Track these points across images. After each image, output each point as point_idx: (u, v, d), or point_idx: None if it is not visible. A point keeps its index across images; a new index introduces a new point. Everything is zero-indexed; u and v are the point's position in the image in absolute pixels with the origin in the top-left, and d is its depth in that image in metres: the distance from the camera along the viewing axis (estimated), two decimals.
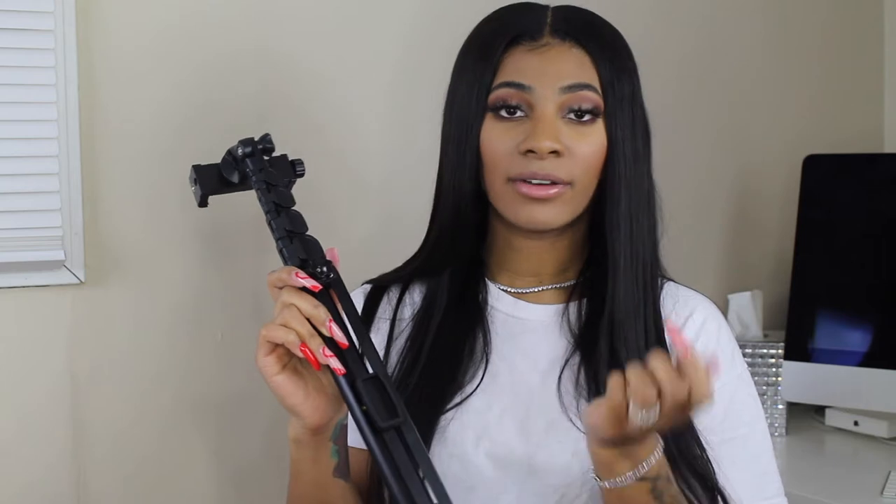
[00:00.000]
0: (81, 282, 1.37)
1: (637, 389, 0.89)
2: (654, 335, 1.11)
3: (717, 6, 1.91)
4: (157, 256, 1.42)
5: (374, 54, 1.57)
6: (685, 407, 0.89)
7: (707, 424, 1.10)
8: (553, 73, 1.07)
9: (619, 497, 0.97)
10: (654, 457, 0.96)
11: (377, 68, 1.57)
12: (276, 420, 1.48)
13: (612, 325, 1.09)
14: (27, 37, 1.31)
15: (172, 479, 1.45)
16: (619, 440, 0.93)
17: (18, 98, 1.31)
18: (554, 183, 1.07)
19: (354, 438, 1.08)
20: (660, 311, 1.13)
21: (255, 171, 1.06)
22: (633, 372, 0.90)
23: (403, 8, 1.59)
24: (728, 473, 1.09)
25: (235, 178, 1.09)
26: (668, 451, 1.04)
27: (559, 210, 1.09)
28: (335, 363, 0.93)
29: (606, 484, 0.97)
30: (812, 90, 2.03)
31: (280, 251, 1.01)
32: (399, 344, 1.15)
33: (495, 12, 1.14)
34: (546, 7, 1.13)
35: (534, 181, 1.07)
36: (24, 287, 1.34)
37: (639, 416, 0.90)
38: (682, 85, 1.86)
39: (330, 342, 0.94)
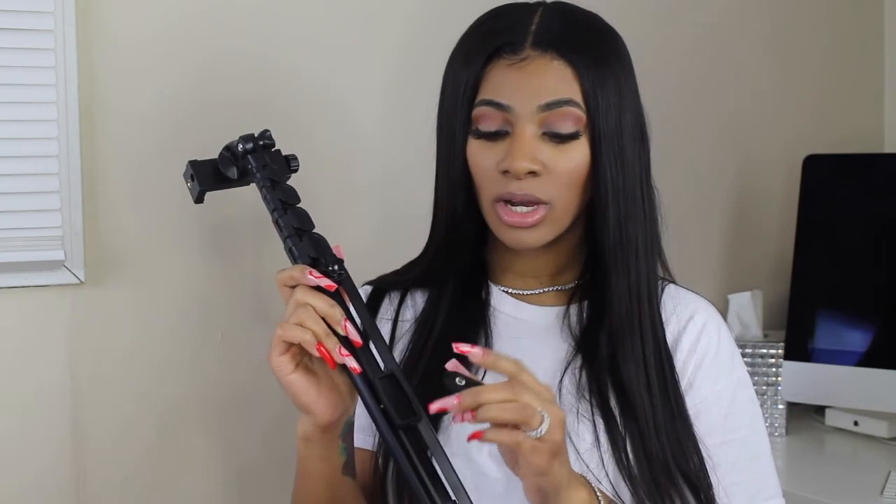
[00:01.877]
0: (81, 282, 1.37)
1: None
2: (651, 342, 1.10)
3: (717, 6, 1.91)
4: (158, 256, 1.42)
5: (372, 54, 1.57)
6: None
7: (706, 427, 1.10)
8: (532, 90, 1.05)
9: None
10: None
11: (375, 68, 1.57)
12: (276, 420, 1.48)
13: (611, 332, 1.09)
14: (27, 37, 1.31)
15: (172, 480, 1.45)
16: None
17: (18, 98, 1.31)
18: (533, 204, 1.06)
19: (357, 438, 1.09)
20: (659, 315, 1.12)
21: (259, 167, 1.05)
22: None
23: (402, 8, 1.59)
24: (727, 475, 1.09)
25: (233, 174, 1.08)
26: (662, 459, 1.04)
27: (543, 232, 1.08)
28: (352, 362, 0.93)
29: None
30: (812, 90, 2.03)
31: (289, 250, 1.00)
32: (401, 345, 1.15)
33: (485, 16, 1.12)
34: (537, 8, 1.10)
35: (514, 203, 1.06)
36: (24, 287, 1.34)
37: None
38: (683, 85, 1.86)
39: (345, 341, 0.94)
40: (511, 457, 0.95)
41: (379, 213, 1.58)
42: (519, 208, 1.06)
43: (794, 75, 2.01)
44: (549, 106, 1.05)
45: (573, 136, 1.06)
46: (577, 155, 1.06)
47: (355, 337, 0.94)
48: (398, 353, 1.15)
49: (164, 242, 1.43)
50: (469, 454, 1.08)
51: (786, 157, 1.95)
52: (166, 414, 1.44)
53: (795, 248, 1.83)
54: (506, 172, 1.05)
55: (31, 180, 1.33)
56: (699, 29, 1.89)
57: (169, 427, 1.44)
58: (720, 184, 1.94)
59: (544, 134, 1.05)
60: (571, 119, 1.05)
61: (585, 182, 1.07)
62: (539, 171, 1.05)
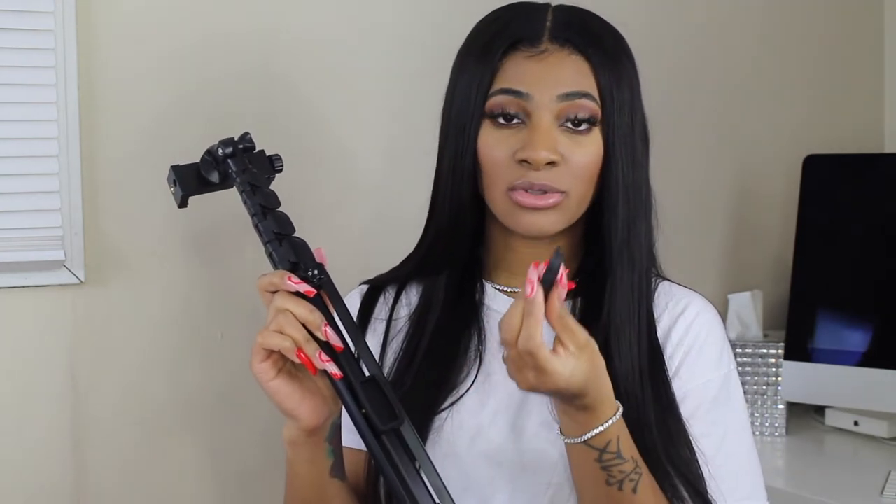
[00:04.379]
0: (81, 282, 1.37)
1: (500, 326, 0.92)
2: (646, 338, 1.10)
3: (717, 6, 1.91)
4: (158, 256, 1.42)
5: (373, 55, 1.57)
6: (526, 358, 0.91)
7: (688, 418, 1.10)
8: (551, 81, 1.06)
9: (570, 458, 0.99)
10: (602, 426, 0.96)
11: (375, 69, 1.57)
12: (277, 420, 1.47)
13: (608, 329, 1.09)
14: (27, 37, 1.31)
15: (173, 480, 1.45)
16: (553, 394, 0.94)
17: (18, 98, 1.31)
18: (549, 192, 1.06)
19: (348, 438, 1.09)
20: (653, 314, 1.13)
21: (238, 172, 1.04)
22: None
23: (403, 8, 1.59)
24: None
25: (216, 178, 1.07)
26: (654, 452, 1.04)
27: (556, 218, 1.08)
28: (332, 368, 0.93)
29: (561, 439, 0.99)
30: (812, 90, 2.03)
31: (269, 255, 1.00)
32: (395, 344, 1.16)
33: (496, 12, 1.13)
34: (546, 7, 1.12)
35: (530, 190, 1.06)
36: (24, 287, 1.34)
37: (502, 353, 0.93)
38: (683, 85, 1.86)
39: (326, 346, 0.94)
40: None
41: (376, 212, 1.58)
42: (536, 191, 1.06)
43: (793, 75, 2.01)
44: (568, 97, 1.06)
45: (589, 129, 1.07)
46: (593, 148, 1.07)
47: (336, 341, 0.94)
48: (392, 352, 1.15)
49: (165, 242, 1.43)
50: (459, 454, 1.08)
51: (786, 158, 1.95)
52: (166, 413, 1.44)
53: (795, 247, 1.83)
54: (523, 162, 1.06)
55: (31, 180, 1.33)
56: (699, 28, 1.89)
57: (169, 427, 1.44)
58: (720, 184, 1.94)
59: (560, 125, 1.06)
60: (588, 112, 1.07)
61: (598, 177, 1.09)
62: (558, 161, 1.06)
